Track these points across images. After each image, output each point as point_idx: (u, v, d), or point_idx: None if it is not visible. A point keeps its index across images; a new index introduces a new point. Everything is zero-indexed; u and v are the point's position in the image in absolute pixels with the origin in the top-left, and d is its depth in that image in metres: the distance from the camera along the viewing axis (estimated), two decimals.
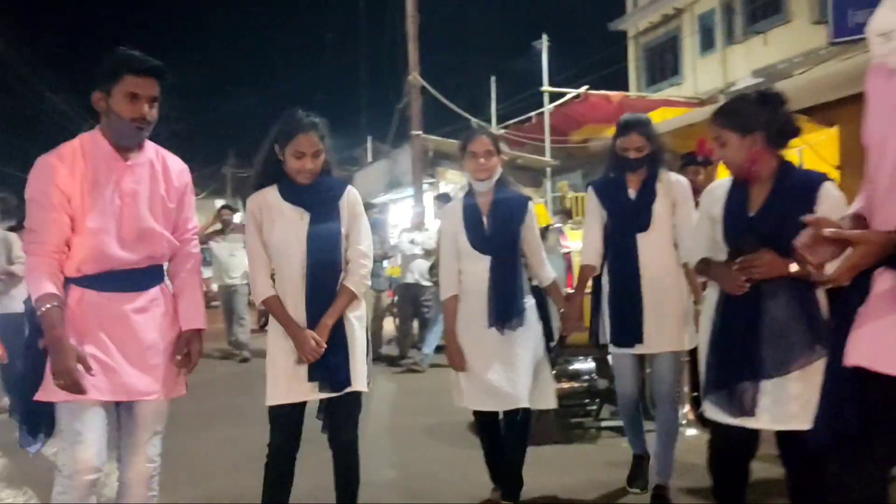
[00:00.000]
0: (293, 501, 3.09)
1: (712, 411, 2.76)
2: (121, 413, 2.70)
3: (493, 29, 38.57)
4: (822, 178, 2.76)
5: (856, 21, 4.40)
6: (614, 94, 13.77)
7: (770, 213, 2.69)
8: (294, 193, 3.01)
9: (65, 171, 2.53)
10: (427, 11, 13.80)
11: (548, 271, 3.75)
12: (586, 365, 5.54)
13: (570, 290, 4.83)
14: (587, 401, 5.49)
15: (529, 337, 3.57)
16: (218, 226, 9.46)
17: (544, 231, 5.71)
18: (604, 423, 5.21)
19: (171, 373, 2.72)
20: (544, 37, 16.07)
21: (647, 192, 3.70)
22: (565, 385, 5.49)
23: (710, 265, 2.91)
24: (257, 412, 3.16)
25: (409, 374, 8.22)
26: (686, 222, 3.59)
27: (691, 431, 4.94)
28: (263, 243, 3.03)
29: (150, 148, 2.74)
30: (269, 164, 3.05)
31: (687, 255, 3.47)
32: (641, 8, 22.57)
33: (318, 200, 3.02)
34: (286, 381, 2.96)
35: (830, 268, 1.95)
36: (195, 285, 2.85)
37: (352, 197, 3.09)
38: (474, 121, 14.62)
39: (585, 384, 5.50)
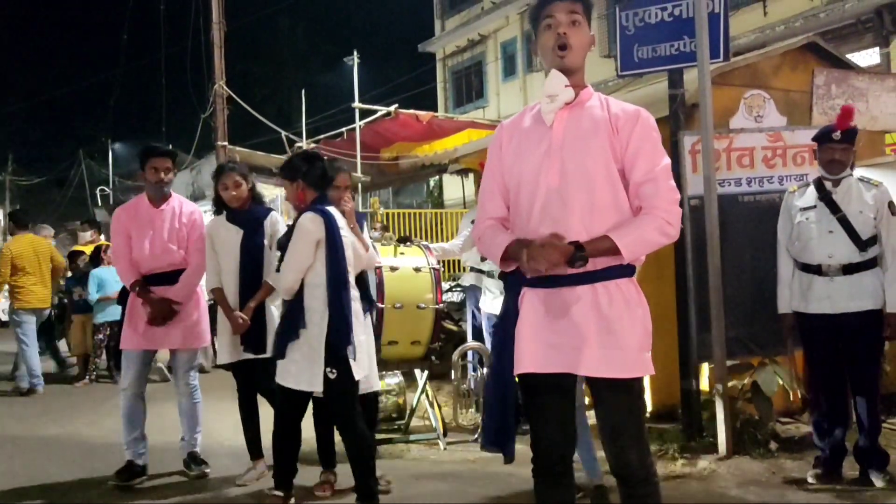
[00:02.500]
0: None
1: None
2: (174, 356, 4.69)
3: (304, 43, 38.09)
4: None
5: (640, 56, 4.81)
6: (424, 114, 14.05)
7: None
8: (233, 216, 4.41)
9: (125, 216, 4.59)
10: (234, 19, 13.40)
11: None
12: (395, 379, 5.58)
13: (379, 305, 4.88)
14: (395, 416, 5.52)
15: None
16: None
17: None
18: (412, 437, 5.26)
19: (191, 333, 4.59)
20: (355, 53, 16.13)
21: None
22: None
23: None
24: None
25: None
26: None
27: None
28: (215, 251, 4.41)
29: (175, 199, 4.68)
30: (215, 196, 4.49)
31: None
32: (449, 32, 23.34)
33: (249, 221, 4.40)
34: (228, 346, 4.37)
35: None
36: (185, 280, 4.54)
37: (272, 220, 4.46)
38: (284, 133, 14.37)
39: (394, 398, 5.54)
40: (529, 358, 2.39)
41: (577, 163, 2.39)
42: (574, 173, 2.38)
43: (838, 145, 3.98)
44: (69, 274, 9.18)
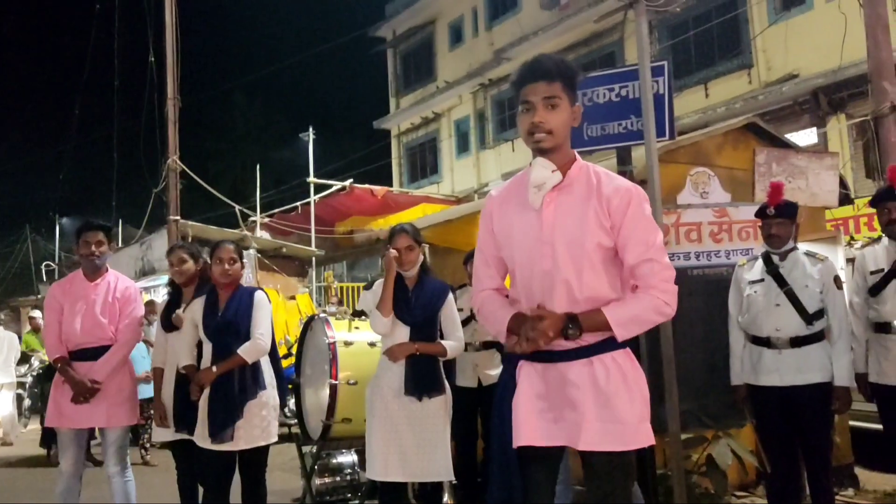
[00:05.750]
0: None
1: None
2: (102, 435, 4.54)
3: (260, 118, 38.32)
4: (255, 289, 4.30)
5: (589, 134, 4.94)
6: (378, 189, 14.22)
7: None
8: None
9: (59, 291, 4.59)
10: (190, 94, 13.46)
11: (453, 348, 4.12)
12: (349, 458, 5.44)
13: (333, 382, 4.79)
14: (349, 495, 5.37)
15: (444, 409, 4.00)
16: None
17: (310, 321, 5.62)
18: None
19: (116, 411, 4.43)
20: (311, 129, 16.32)
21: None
22: (327, 479, 5.34)
23: None
24: None
25: None
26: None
27: None
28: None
29: (111, 274, 4.65)
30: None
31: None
32: (404, 109, 23.78)
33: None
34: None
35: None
36: (108, 357, 4.43)
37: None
38: (238, 208, 14.31)
39: (348, 478, 5.39)
40: (528, 431, 2.38)
41: (569, 245, 2.40)
42: (565, 256, 2.39)
43: (774, 220, 4.14)
44: None
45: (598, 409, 2.33)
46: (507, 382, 2.49)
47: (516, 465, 2.42)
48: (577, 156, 2.52)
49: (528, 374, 2.44)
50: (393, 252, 4.02)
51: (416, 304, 4.04)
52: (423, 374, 3.93)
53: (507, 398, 2.46)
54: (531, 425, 2.39)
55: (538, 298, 2.42)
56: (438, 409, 3.97)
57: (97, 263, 4.54)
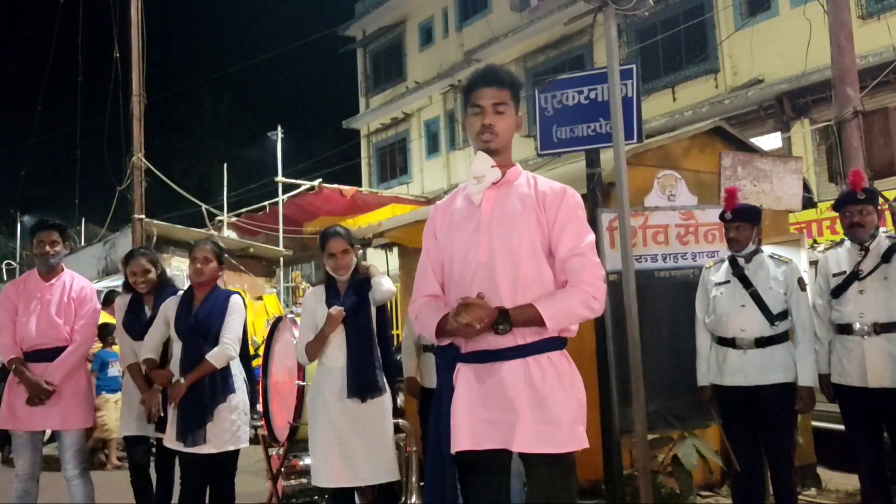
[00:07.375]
0: None
1: None
2: (59, 438, 4.43)
3: (228, 117, 37.91)
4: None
5: (559, 137, 4.97)
6: (347, 189, 14.13)
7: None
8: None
9: (13, 291, 4.47)
10: (155, 91, 13.26)
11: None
12: None
13: (300, 383, 4.74)
14: (316, 498, 5.32)
15: (385, 410, 3.96)
16: None
17: (277, 322, 5.58)
18: None
19: (71, 413, 4.34)
20: (279, 128, 16.20)
21: None
22: (294, 482, 5.30)
23: None
24: None
25: None
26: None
27: None
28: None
29: (67, 274, 4.58)
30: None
31: None
32: (373, 109, 23.71)
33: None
34: (134, 419, 4.48)
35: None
36: (64, 358, 4.34)
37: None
38: (204, 207, 14.14)
39: None
40: (466, 435, 2.38)
41: (504, 239, 2.46)
42: (500, 249, 2.46)
43: (732, 224, 4.21)
44: None
45: (534, 409, 2.34)
46: (443, 388, 2.49)
47: (452, 469, 2.41)
48: (518, 164, 2.66)
49: (466, 378, 2.45)
50: (338, 310, 3.94)
51: (347, 298, 4.03)
52: (364, 376, 3.92)
53: (443, 404, 2.46)
54: (469, 429, 2.39)
55: (474, 291, 2.43)
56: (381, 410, 3.97)
57: (52, 263, 4.49)
